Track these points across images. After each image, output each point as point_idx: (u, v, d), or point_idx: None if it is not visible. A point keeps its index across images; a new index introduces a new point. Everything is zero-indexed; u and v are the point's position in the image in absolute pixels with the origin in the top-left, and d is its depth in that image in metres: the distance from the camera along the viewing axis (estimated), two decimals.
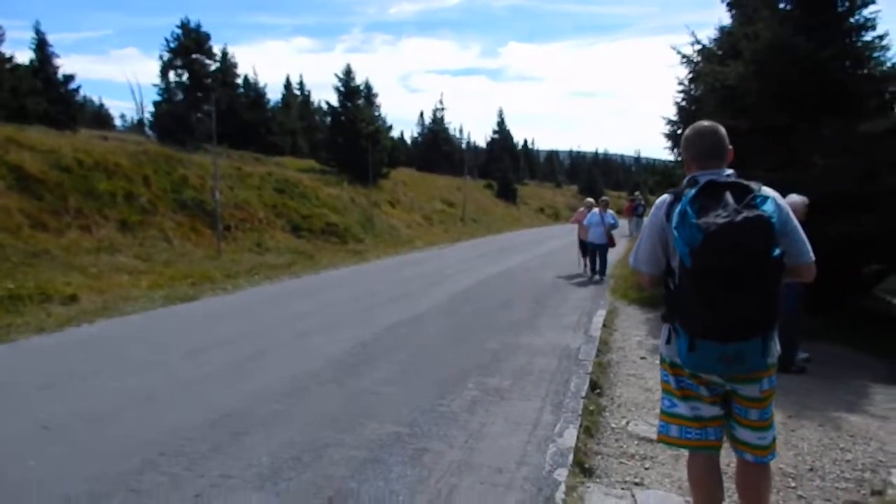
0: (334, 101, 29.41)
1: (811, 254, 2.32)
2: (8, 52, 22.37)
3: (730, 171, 2.34)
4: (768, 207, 2.09)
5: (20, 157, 12.75)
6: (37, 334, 6.67)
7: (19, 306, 7.99)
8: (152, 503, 3.05)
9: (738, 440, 2.43)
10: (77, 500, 3.03)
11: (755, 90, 7.73)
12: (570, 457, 3.57)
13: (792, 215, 2.30)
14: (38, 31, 25.28)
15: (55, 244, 11.23)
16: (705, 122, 2.47)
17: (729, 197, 2.12)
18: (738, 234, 2.03)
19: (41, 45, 25.32)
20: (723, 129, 2.43)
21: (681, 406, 2.43)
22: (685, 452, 2.58)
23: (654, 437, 4.01)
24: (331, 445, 3.74)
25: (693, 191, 2.19)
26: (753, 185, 2.20)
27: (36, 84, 23.15)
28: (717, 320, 2.12)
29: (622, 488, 3.34)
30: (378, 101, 31.27)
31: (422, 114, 59.41)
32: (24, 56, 25.73)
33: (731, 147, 2.41)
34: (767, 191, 2.23)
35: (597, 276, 12.13)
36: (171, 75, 27.00)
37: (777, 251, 2.06)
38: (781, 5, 8.18)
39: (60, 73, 25.41)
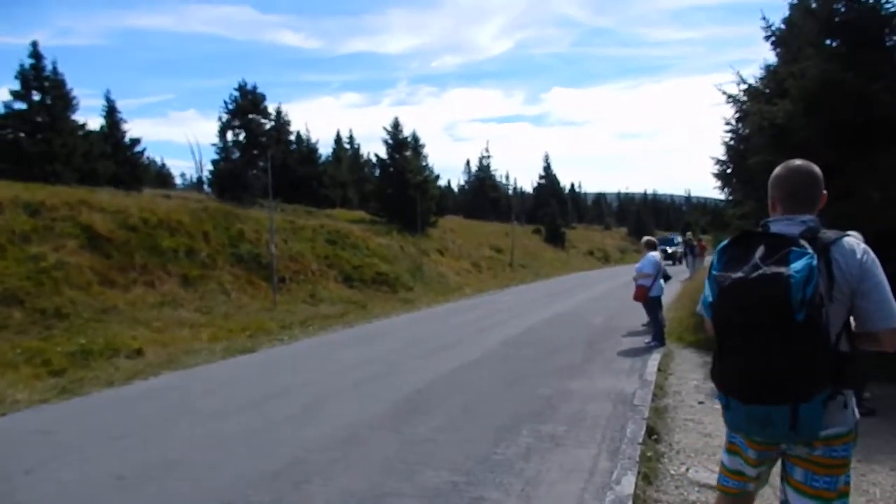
0: (383, 153, 30.32)
1: (894, 319, 2.00)
2: (81, 120, 23.94)
3: (807, 218, 2.14)
4: (798, 265, 1.90)
5: (91, 217, 13.54)
6: (107, 387, 6.99)
7: (90, 360, 8.41)
8: None
9: None
10: None
11: (804, 127, 7.67)
12: None
13: (872, 272, 2.03)
14: (108, 99, 27.05)
15: (122, 300, 11.78)
16: (798, 161, 2.23)
17: (761, 250, 2.00)
18: (747, 292, 1.95)
19: (111, 112, 27.02)
20: (817, 171, 2.19)
21: (726, 457, 2.37)
22: None
23: (716, 483, 3.96)
24: (389, 494, 3.80)
25: (726, 241, 2.17)
26: (828, 235, 2.07)
27: (106, 148, 24.64)
28: (733, 377, 2.04)
29: None
30: (425, 151, 32.08)
31: (468, 162, 60.40)
32: (95, 122, 27.44)
33: (825, 192, 2.20)
34: (846, 241, 2.07)
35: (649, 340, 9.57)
36: (229, 135, 28.30)
37: (801, 315, 1.86)
38: (827, 42, 8.16)
39: (127, 137, 26.99)
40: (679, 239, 34.54)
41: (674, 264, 28.92)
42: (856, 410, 2.11)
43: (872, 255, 2.07)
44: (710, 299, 2.11)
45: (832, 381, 1.97)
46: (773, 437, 2.09)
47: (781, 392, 1.94)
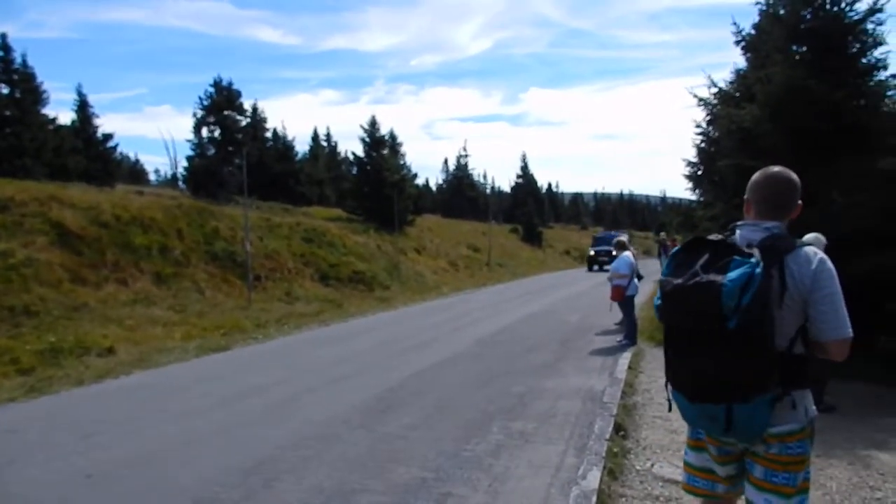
0: (360, 152, 30.21)
1: (842, 330, 2.04)
2: (52, 114, 23.61)
3: (772, 225, 2.18)
4: (734, 274, 1.96)
5: (62, 213, 13.33)
6: (77, 386, 6.92)
7: (60, 359, 8.30)
8: None
9: (748, 502, 2.24)
10: None
11: (770, 132, 7.85)
12: (594, 499, 3.62)
13: (825, 283, 2.04)
14: (80, 94, 26.71)
15: (93, 297, 11.63)
16: (776, 168, 2.23)
17: (705, 257, 2.07)
18: (685, 299, 2.03)
19: (83, 106, 26.64)
20: (794, 179, 2.21)
21: (690, 454, 2.40)
22: None
23: (680, 478, 4.06)
24: (358, 490, 3.84)
25: (678, 246, 2.25)
26: (786, 243, 2.09)
27: (77, 143, 24.28)
28: (679, 376, 2.15)
29: None
30: (403, 149, 32.11)
31: (446, 161, 60.56)
32: (66, 117, 27.04)
33: (799, 202, 2.22)
34: (803, 251, 2.08)
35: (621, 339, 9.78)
36: (204, 131, 28.04)
37: (733, 322, 1.93)
38: (794, 48, 8.35)
39: (100, 132, 26.70)
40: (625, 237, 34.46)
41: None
42: (809, 409, 2.14)
43: (829, 265, 2.07)
44: (658, 302, 2.20)
45: (783, 383, 2.03)
46: (717, 434, 2.17)
47: (720, 393, 2.03)
